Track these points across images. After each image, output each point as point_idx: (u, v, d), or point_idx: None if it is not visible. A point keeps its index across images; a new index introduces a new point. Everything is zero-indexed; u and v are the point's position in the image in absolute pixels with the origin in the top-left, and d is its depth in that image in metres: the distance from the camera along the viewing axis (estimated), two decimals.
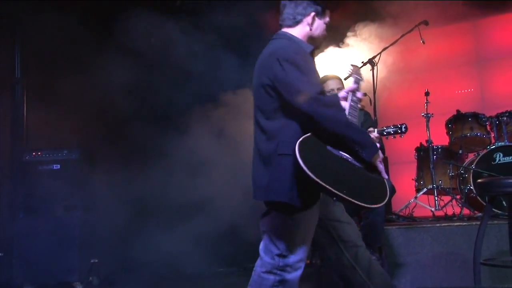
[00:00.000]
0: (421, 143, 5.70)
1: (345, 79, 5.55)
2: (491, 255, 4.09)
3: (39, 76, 5.77)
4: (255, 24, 6.16)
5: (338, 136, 2.47)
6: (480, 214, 4.77)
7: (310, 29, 2.77)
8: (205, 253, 5.82)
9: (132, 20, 5.77)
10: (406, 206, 5.29)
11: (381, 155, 2.56)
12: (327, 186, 2.32)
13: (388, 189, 2.52)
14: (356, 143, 2.48)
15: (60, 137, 5.61)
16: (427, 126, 5.46)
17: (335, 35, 6.57)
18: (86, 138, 5.73)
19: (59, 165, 5.33)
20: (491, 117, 5.30)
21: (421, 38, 5.53)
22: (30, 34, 5.73)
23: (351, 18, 6.64)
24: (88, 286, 5.04)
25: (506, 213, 4.29)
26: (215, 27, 6.18)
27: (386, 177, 2.57)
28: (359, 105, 2.72)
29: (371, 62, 5.42)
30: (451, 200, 5.27)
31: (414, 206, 5.46)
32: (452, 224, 4.52)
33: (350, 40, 6.42)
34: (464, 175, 5.23)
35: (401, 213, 5.31)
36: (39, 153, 5.34)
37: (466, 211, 5.00)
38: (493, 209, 4.61)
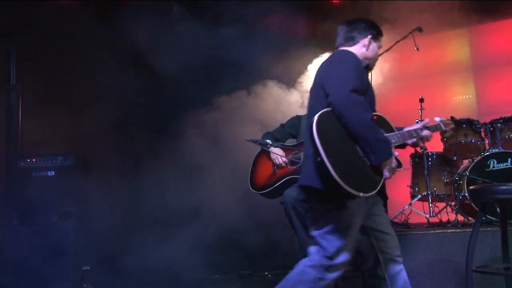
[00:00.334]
0: (416, 150, 5.69)
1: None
2: (485, 262, 4.07)
3: (34, 83, 5.77)
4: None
5: (357, 134, 2.67)
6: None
7: (366, 50, 3.08)
8: (201, 260, 5.80)
9: (128, 26, 5.80)
10: (401, 213, 5.28)
11: (394, 164, 2.73)
12: (323, 154, 2.53)
13: (378, 187, 2.67)
14: (369, 145, 2.66)
15: (55, 143, 5.62)
16: None
17: (330, 41, 6.61)
18: (81, 145, 5.73)
19: (53, 172, 5.35)
20: (485, 123, 5.30)
21: (415, 45, 5.52)
22: (26, 41, 5.74)
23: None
24: None
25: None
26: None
27: (387, 175, 2.72)
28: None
29: (366, 67, 5.40)
30: (445, 207, 5.25)
31: (410, 213, 5.45)
32: (446, 231, 4.50)
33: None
34: (458, 182, 5.22)
35: (396, 220, 5.29)
36: (33, 160, 5.36)
37: (461, 217, 4.98)
38: (488, 216, 4.62)
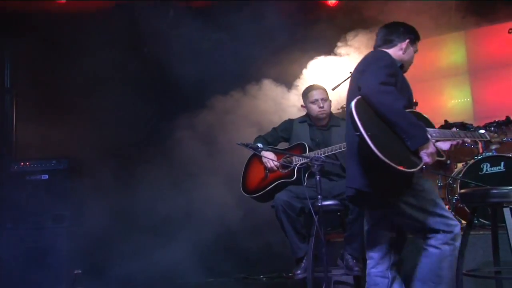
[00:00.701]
0: None
1: (333, 89, 5.59)
2: (477, 265, 4.06)
3: (28, 87, 5.78)
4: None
5: (390, 121, 2.76)
6: None
7: (403, 53, 3.15)
8: (196, 264, 5.79)
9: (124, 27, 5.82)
10: None
11: (431, 149, 2.78)
12: (367, 137, 2.63)
13: (418, 167, 2.74)
14: (403, 132, 2.76)
15: (49, 147, 5.61)
16: None
17: (326, 44, 6.62)
18: (74, 149, 5.71)
19: (47, 175, 5.34)
20: (479, 127, 5.27)
21: None
22: (20, 44, 5.74)
23: (342, 27, 6.67)
24: None
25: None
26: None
27: (427, 160, 2.78)
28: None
29: None
30: None
31: None
32: None
33: (341, 49, 6.45)
34: (452, 185, 5.21)
35: None
36: (27, 163, 5.35)
37: None
38: (480, 220, 4.61)
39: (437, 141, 2.95)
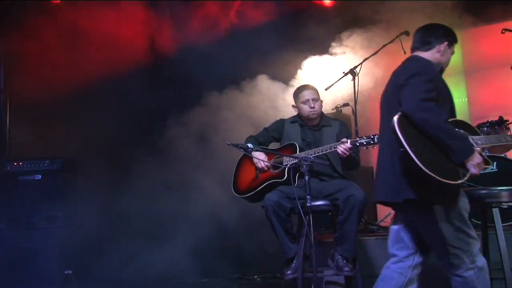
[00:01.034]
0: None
1: (326, 89, 5.59)
2: None
3: (22, 87, 5.77)
4: None
5: (433, 137, 2.79)
6: None
7: (440, 56, 3.15)
8: (190, 264, 5.78)
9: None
10: (386, 216, 5.27)
11: (477, 159, 2.79)
12: (411, 153, 2.68)
13: (465, 178, 2.77)
14: (447, 147, 2.78)
15: (42, 147, 5.61)
16: None
17: (321, 44, 6.62)
18: (68, 149, 5.71)
19: (40, 176, 5.33)
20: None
21: (403, 49, 5.52)
22: (14, 45, 5.74)
23: (337, 27, 6.67)
24: None
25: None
26: None
27: (474, 171, 2.81)
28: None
29: (352, 72, 5.42)
30: None
31: None
32: None
33: (335, 49, 6.45)
34: None
35: (382, 224, 5.29)
36: (20, 163, 5.34)
37: None
38: (473, 220, 4.60)
39: (482, 148, 2.96)
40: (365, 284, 4.24)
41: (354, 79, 5.38)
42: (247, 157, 4.30)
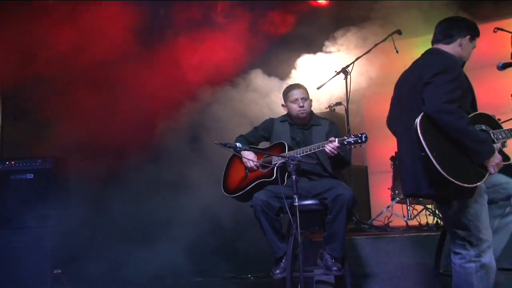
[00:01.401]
0: (396, 152, 5.67)
1: (318, 88, 5.58)
2: None
3: (15, 87, 5.76)
4: None
5: (454, 138, 2.85)
6: None
7: (462, 49, 3.18)
8: (184, 263, 5.79)
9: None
10: (378, 215, 5.28)
11: (497, 159, 2.87)
12: (432, 158, 2.77)
13: (484, 179, 2.86)
14: (468, 149, 2.85)
15: (35, 146, 5.60)
16: None
17: (314, 42, 6.62)
18: (60, 148, 5.70)
19: (32, 175, 5.33)
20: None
21: (395, 48, 5.53)
22: (6, 44, 5.74)
23: (331, 25, 6.67)
24: None
25: None
26: None
27: (493, 171, 2.88)
28: None
29: (344, 71, 5.41)
30: (422, 210, 5.24)
31: (391, 216, 5.44)
32: (421, 234, 4.50)
33: (329, 47, 6.45)
34: None
35: (374, 223, 5.29)
36: (12, 162, 5.33)
37: None
38: None
39: (503, 144, 3.05)
40: (355, 283, 4.27)
41: (346, 78, 5.37)
42: (236, 156, 4.30)
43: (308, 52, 6.57)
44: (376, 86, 6.49)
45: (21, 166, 5.33)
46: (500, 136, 3.04)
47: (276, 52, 6.57)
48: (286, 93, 4.34)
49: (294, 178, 3.43)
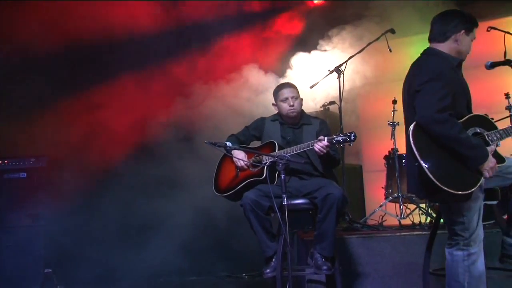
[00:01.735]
0: (389, 151, 5.68)
1: (311, 87, 5.57)
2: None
3: (5, 84, 5.75)
4: None
5: (447, 146, 2.89)
6: None
7: (458, 45, 3.16)
8: (177, 262, 5.79)
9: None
10: (371, 214, 5.28)
11: (491, 163, 2.90)
12: (426, 169, 2.83)
13: (479, 184, 2.89)
14: (462, 156, 2.88)
15: (28, 145, 5.59)
16: (393, 134, 5.45)
17: (308, 41, 6.61)
18: (53, 147, 5.68)
19: (25, 173, 5.32)
20: None
21: (388, 47, 5.53)
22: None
23: (326, 23, 6.66)
24: None
25: None
26: None
27: (487, 175, 2.91)
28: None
29: (337, 70, 5.40)
30: (415, 209, 5.24)
31: (385, 215, 5.43)
32: (412, 233, 4.50)
33: (324, 46, 6.44)
34: None
35: (369, 221, 5.29)
36: (5, 161, 5.33)
37: None
38: None
39: (497, 145, 3.08)
40: (347, 283, 4.27)
41: (339, 77, 5.36)
42: (228, 156, 4.29)
43: (303, 51, 6.56)
44: (371, 85, 6.50)
45: (13, 165, 5.33)
46: (494, 138, 3.06)
47: (271, 51, 6.56)
48: (277, 92, 4.34)
49: (283, 177, 3.43)
